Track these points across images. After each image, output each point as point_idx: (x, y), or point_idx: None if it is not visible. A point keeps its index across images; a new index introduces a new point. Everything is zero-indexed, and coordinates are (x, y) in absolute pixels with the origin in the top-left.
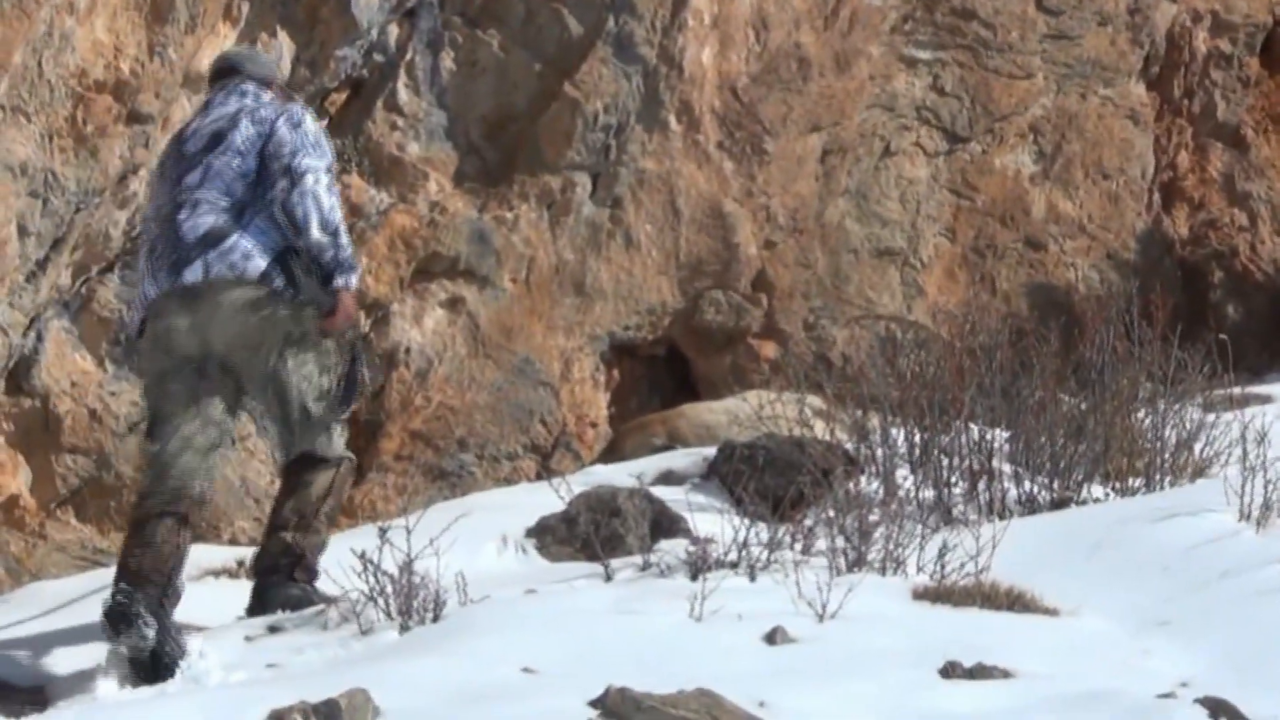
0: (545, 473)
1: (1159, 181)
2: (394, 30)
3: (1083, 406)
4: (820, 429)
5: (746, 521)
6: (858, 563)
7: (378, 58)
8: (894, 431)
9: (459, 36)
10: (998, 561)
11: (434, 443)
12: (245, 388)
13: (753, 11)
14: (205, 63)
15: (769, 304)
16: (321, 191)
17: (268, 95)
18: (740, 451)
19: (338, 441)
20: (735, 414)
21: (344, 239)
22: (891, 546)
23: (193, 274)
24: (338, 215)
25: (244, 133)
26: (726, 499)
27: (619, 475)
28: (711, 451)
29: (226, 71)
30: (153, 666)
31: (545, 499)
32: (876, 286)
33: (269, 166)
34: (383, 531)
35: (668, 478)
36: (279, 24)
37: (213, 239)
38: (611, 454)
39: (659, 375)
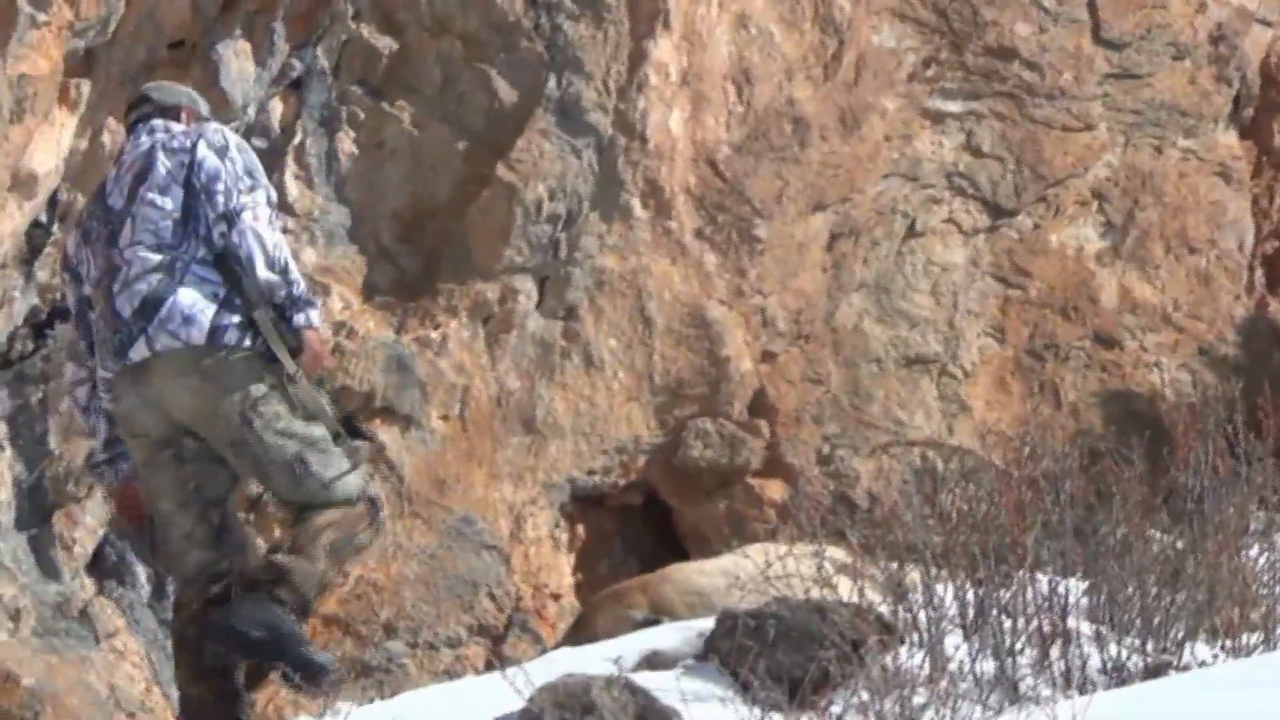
0: (497, 662)
1: (1260, 253)
2: (277, 107)
3: (1179, 545)
4: (845, 589)
5: (757, 712)
6: None
7: (258, 143)
8: (939, 588)
9: (360, 111)
10: None
11: (354, 629)
12: (222, 455)
13: (731, 63)
14: (38, 159)
15: (771, 432)
16: (262, 228)
17: (178, 126)
18: (744, 623)
19: (350, 485)
20: (735, 574)
21: (295, 274)
22: None
23: (137, 351)
24: (284, 250)
25: (162, 165)
26: (729, 684)
27: (591, 661)
28: (707, 624)
29: (137, 104)
30: None
31: (499, 696)
32: (907, 404)
33: (198, 202)
34: None
35: (653, 661)
36: None
37: (148, 309)
38: (580, 633)
39: (635, 530)
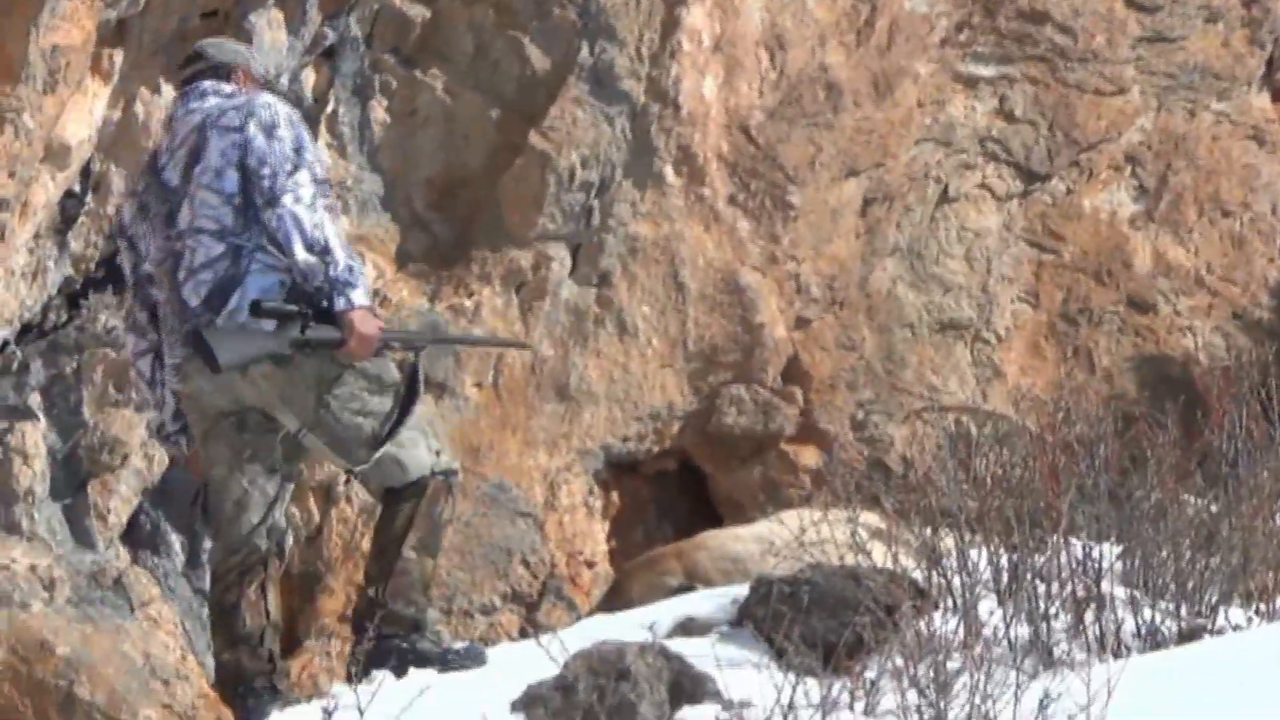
0: (532, 628)
1: None
2: (310, 76)
3: (1213, 509)
4: (879, 554)
5: (791, 678)
6: None
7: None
8: (974, 553)
9: (392, 80)
10: (1114, 712)
11: None
12: (297, 433)
13: (764, 28)
14: (70, 130)
15: (805, 399)
16: (301, 210)
17: (229, 87)
18: (779, 588)
19: (419, 459)
20: (770, 541)
21: (337, 254)
22: (978, 700)
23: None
24: (325, 230)
25: (215, 146)
26: (764, 650)
27: (626, 627)
28: (742, 590)
29: (190, 61)
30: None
31: (533, 662)
32: (941, 369)
33: (251, 186)
34: (328, 715)
35: (688, 627)
36: (162, 75)
37: (216, 302)
38: (615, 600)
39: (669, 496)
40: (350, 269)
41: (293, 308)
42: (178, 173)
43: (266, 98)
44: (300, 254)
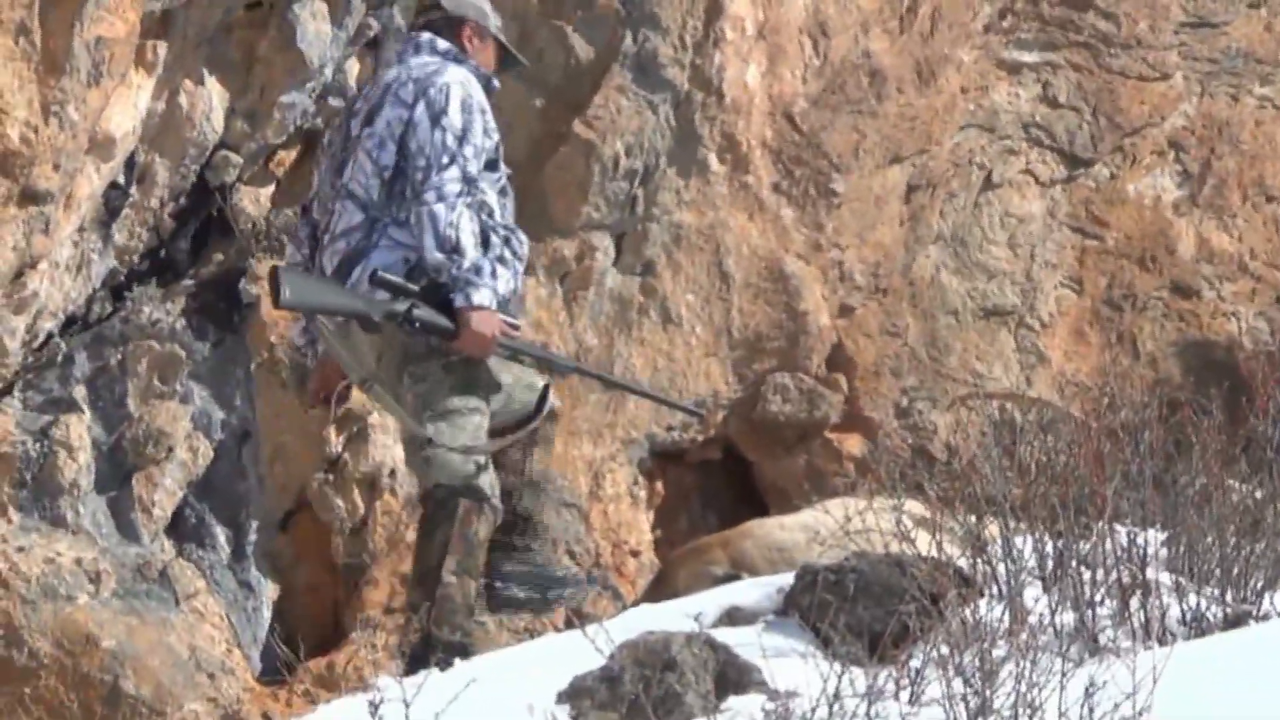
0: (576, 619)
1: None
2: (354, 67)
3: (1258, 494)
4: (924, 543)
5: (837, 667)
6: (982, 711)
7: (335, 103)
8: (1018, 540)
9: None
10: (1161, 699)
11: None
12: (362, 384)
13: (807, 16)
14: (115, 122)
15: (850, 386)
16: (440, 209)
17: (445, 44)
18: (824, 577)
19: (451, 464)
20: (815, 530)
21: (466, 253)
22: (1024, 688)
23: None
24: (460, 229)
25: (385, 115)
26: (810, 639)
27: (671, 617)
28: (787, 579)
29: (425, 10)
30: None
31: (579, 653)
32: (985, 356)
33: (410, 165)
34: (374, 708)
35: (733, 616)
36: (206, 67)
37: (344, 269)
38: (660, 590)
39: (714, 485)
40: (478, 269)
41: (409, 285)
42: (357, 125)
43: (450, 75)
44: (430, 252)
